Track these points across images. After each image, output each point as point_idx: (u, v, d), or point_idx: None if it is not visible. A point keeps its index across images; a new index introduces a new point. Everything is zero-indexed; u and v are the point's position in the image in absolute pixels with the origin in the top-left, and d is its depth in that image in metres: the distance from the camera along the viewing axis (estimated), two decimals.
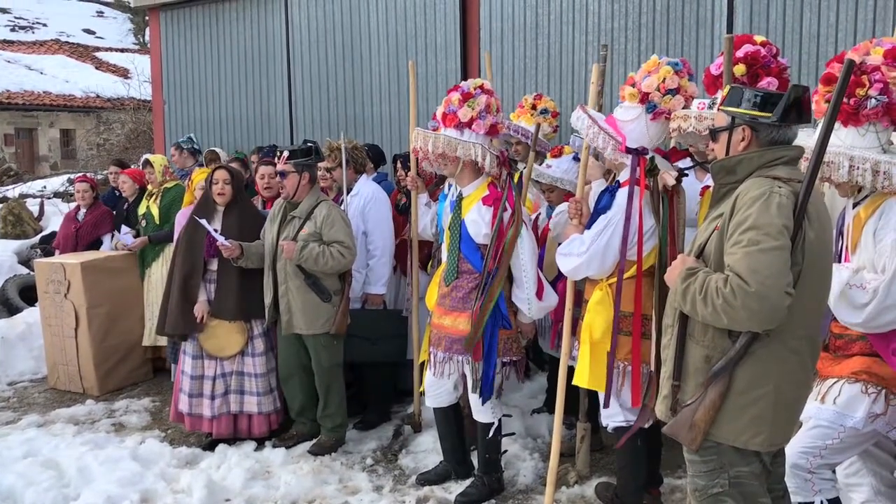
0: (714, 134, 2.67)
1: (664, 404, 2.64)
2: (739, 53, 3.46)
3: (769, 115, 2.50)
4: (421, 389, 4.49)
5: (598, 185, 4.04)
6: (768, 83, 3.44)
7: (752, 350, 2.43)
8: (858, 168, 2.89)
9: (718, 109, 2.68)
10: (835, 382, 3.00)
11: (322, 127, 8.12)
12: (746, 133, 2.55)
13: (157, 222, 6.42)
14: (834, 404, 2.97)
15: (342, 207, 5.03)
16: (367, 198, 5.20)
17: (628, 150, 3.60)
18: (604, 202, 3.76)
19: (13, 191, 14.02)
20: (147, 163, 6.63)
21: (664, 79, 3.60)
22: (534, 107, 5.75)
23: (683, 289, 2.47)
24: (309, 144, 5.00)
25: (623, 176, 3.72)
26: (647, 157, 3.62)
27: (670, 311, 2.64)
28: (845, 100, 2.94)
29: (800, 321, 2.44)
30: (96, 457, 4.73)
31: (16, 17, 35.91)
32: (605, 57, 4.00)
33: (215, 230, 4.89)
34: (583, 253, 3.67)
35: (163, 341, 6.15)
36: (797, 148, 2.55)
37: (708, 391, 2.48)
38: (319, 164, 5.09)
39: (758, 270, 2.30)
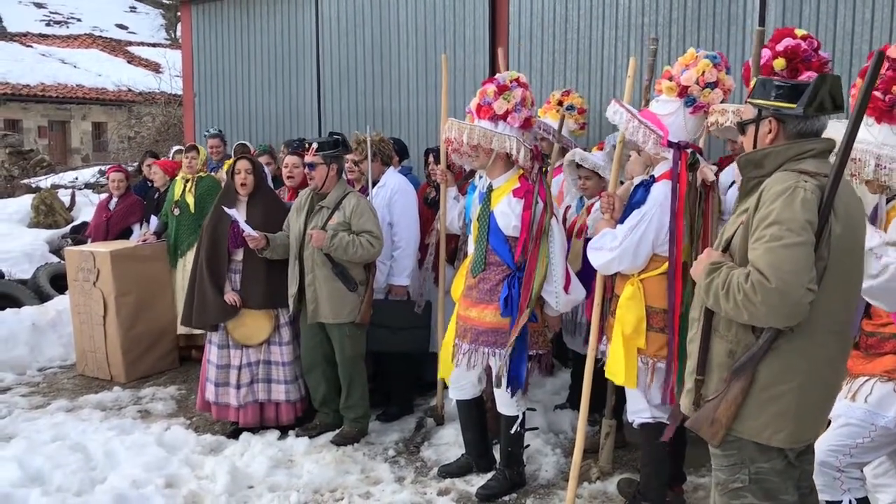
0: (742, 127, 2.62)
1: (688, 398, 2.61)
2: (779, 47, 3.40)
3: (794, 105, 2.43)
4: (440, 375, 4.48)
5: (639, 181, 4.00)
6: (808, 78, 3.37)
7: (775, 346, 2.39)
8: (885, 167, 2.83)
9: (746, 101, 2.64)
10: (866, 381, 2.96)
11: (350, 120, 8.14)
12: (773, 125, 2.50)
13: (192, 211, 6.48)
14: (865, 403, 2.93)
15: (369, 199, 5.04)
16: (393, 189, 5.22)
17: (670, 145, 3.57)
18: (638, 196, 3.73)
19: (46, 181, 14.23)
20: (194, 148, 6.72)
21: (703, 72, 3.57)
22: (560, 103, 5.72)
23: (707, 283, 2.44)
24: (336, 136, 5.04)
25: (659, 170, 3.69)
26: (689, 151, 3.60)
27: (697, 305, 2.61)
28: (881, 96, 2.89)
29: (826, 317, 2.39)
30: (123, 442, 4.79)
31: (51, 12, 36.42)
32: (655, 51, 3.96)
33: (244, 220, 4.92)
34: (615, 248, 3.65)
35: (198, 330, 6.20)
36: (827, 140, 2.49)
37: (730, 386, 2.44)
38: (346, 157, 5.12)
39: (779, 266, 2.26)
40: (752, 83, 2.63)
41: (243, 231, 4.86)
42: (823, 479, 2.95)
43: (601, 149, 4.81)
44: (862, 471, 3.08)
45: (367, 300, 4.84)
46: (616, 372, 3.73)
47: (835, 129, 2.56)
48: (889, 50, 2.99)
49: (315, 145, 4.87)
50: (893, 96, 2.89)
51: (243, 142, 8.15)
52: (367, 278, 4.89)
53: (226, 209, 4.95)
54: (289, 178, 5.60)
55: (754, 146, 2.56)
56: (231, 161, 5.90)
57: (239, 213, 4.99)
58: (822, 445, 2.97)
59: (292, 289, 4.92)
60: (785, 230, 2.28)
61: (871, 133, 2.92)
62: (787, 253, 2.26)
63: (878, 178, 2.85)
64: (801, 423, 2.44)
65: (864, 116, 2.93)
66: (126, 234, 7.07)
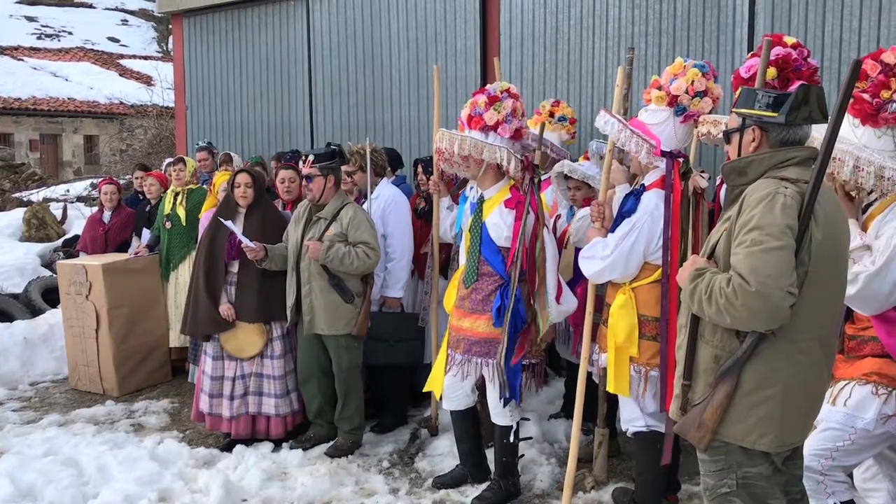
0: (727, 136, 2.66)
1: (676, 403, 2.65)
2: (770, 56, 3.42)
3: (776, 114, 2.47)
4: (427, 388, 4.48)
5: (621, 190, 4.03)
6: None
7: (758, 350, 2.42)
8: (863, 170, 2.86)
9: (731, 111, 2.68)
10: (846, 384, 3.00)
11: (343, 132, 8.16)
12: (756, 134, 2.54)
13: (184, 224, 6.47)
14: (844, 406, 2.97)
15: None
16: (387, 201, 5.21)
17: (663, 154, 3.59)
18: (628, 206, 3.75)
19: (37, 195, 14.19)
20: (180, 160, 6.71)
21: (693, 81, 3.60)
22: (551, 114, 5.73)
23: (691, 289, 2.48)
24: (333, 147, 5.03)
25: (649, 179, 3.71)
26: (681, 160, 3.62)
27: (684, 312, 2.64)
28: (869, 99, 2.92)
29: (809, 322, 2.42)
30: (115, 456, 4.77)
31: (42, 26, 36.44)
32: (632, 60, 3.99)
33: (241, 232, 4.92)
34: (606, 257, 3.66)
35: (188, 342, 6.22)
36: (809, 149, 2.52)
37: (716, 391, 2.48)
38: (342, 167, 5.11)
39: (759, 270, 2.30)
40: (737, 93, 2.66)
41: (241, 242, 4.85)
42: (808, 483, 2.96)
43: (587, 158, 4.83)
44: (850, 475, 3.10)
45: (364, 312, 4.84)
46: (612, 382, 3.73)
47: (818, 132, 2.59)
48: (883, 55, 3.01)
49: (311, 157, 4.87)
50: (881, 101, 2.92)
51: (227, 151, 8.15)
52: (364, 290, 4.88)
53: (223, 221, 4.94)
54: (287, 192, 5.53)
55: (738, 155, 2.60)
56: (224, 174, 5.90)
57: (236, 225, 5.00)
58: (806, 450, 2.99)
59: (290, 300, 4.92)
60: (765, 235, 2.32)
61: (856, 134, 2.95)
62: (768, 257, 2.30)
63: (856, 180, 2.88)
64: (785, 427, 2.46)
65: (851, 117, 2.97)
66: (124, 246, 7.05)
